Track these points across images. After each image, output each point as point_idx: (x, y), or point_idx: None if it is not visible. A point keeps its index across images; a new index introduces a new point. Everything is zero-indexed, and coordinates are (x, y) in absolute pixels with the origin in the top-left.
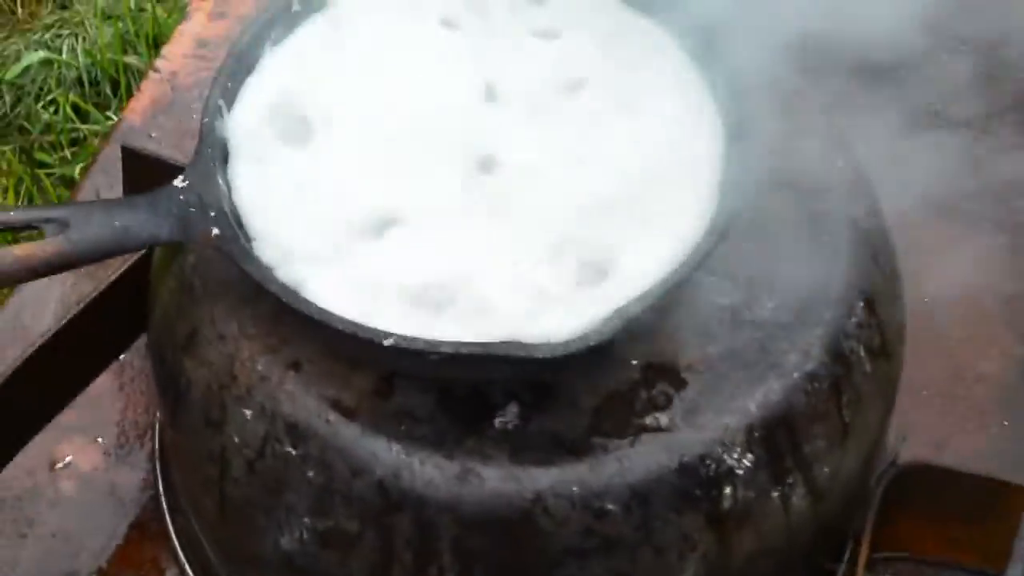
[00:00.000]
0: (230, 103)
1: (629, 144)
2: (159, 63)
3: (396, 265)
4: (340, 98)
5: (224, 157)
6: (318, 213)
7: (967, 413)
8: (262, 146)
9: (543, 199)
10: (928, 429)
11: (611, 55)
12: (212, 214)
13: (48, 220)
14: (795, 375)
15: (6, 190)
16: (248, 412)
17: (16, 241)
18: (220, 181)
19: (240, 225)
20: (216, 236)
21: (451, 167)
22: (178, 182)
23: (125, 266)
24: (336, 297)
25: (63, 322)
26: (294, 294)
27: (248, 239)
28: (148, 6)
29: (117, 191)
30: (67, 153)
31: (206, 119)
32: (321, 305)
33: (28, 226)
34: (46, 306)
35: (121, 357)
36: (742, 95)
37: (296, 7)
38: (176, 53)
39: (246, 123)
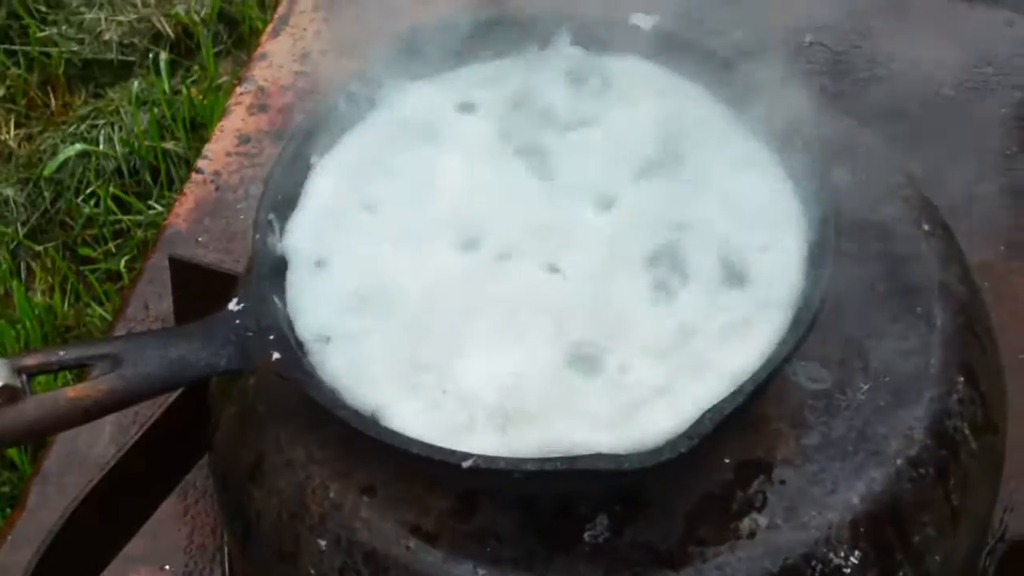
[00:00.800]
0: (280, 217)
1: (709, 231)
2: (201, 163)
3: (473, 376)
4: (393, 206)
5: (278, 274)
6: (385, 328)
7: None
8: (319, 259)
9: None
10: None
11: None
12: (271, 338)
13: (100, 357)
14: (898, 462)
15: (52, 288)
16: (323, 542)
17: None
18: (277, 301)
19: (301, 346)
20: (277, 361)
21: (518, 272)
22: (233, 306)
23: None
24: (410, 412)
25: (122, 451)
26: (364, 418)
27: (309, 360)
28: (183, 88)
29: (167, 302)
30: (111, 246)
31: (257, 236)
32: (393, 423)
33: (78, 365)
34: (102, 430)
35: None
36: (818, 171)
37: (343, 108)
38: (218, 151)
39: (300, 239)
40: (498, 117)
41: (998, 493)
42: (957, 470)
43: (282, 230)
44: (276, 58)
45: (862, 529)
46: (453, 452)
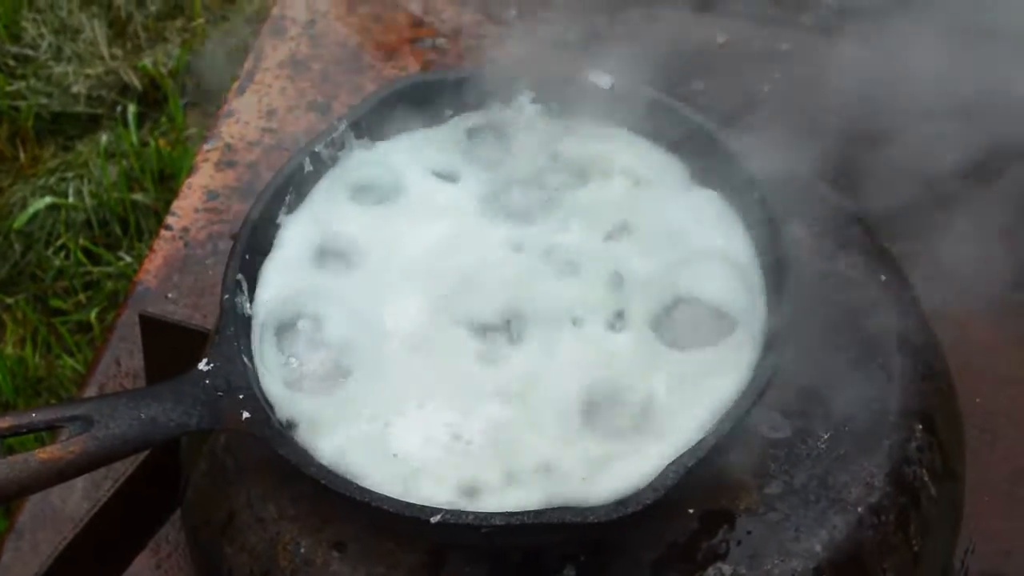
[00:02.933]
0: (249, 277)
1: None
2: (170, 220)
3: (438, 434)
4: (363, 261)
5: (247, 333)
6: (354, 388)
7: None
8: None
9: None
10: (994, 536)
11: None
12: (240, 396)
13: (71, 418)
14: (859, 509)
15: (23, 340)
16: None
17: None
18: (246, 360)
19: (269, 404)
20: (247, 420)
21: (481, 335)
22: (202, 366)
23: None
24: (376, 468)
25: (95, 507)
26: (333, 475)
27: (278, 418)
28: (151, 140)
29: (138, 358)
30: (82, 298)
31: (226, 296)
32: (361, 479)
33: (50, 427)
34: (74, 486)
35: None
36: (777, 220)
37: (308, 168)
38: (186, 207)
39: (270, 299)
40: (470, 180)
41: (959, 536)
42: (917, 516)
43: (250, 290)
44: (243, 115)
45: None
46: (423, 507)
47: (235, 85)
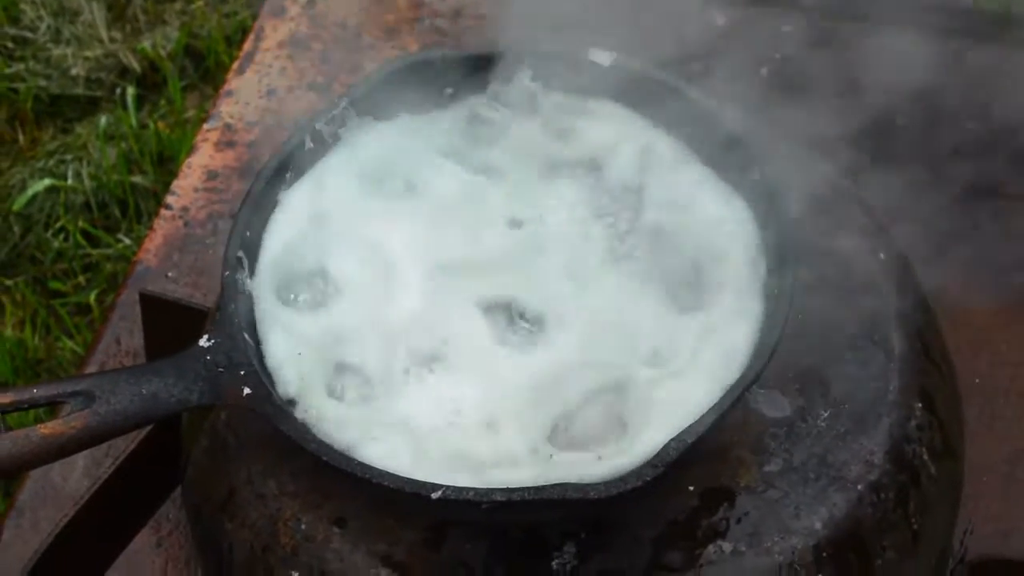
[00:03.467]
0: (249, 254)
1: (670, 258)
2: (170, 199)
3: (442, 409)
4: (361, 241)
5: (248, 310)
6: (357, 356)
7: None
8: (288, 295)
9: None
10: (993, 517)
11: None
12: (241, 372)
13: (72, 394)
14: (859, 487)
15: (22, 322)
16: (295, 574)
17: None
18: (247, 337)
19: (271, 379)
20: (248, 396)
21: (481, 313)
22: (203, 342)
23: None
24: (382, 444)
25: (96, 485)
26: (334, 451)
27: (280, 394)
28: (150, 122)
29: (138, 337)
30: (81, 280)
31: (226, 273)
32: (364, 455)
33: (52, 402)
34: (75, 463)
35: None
36: (778, 199)
37: (309, 144)
38: (186, 187)
39: (270, 275)
40: (472, 158)
41: (958, 516)
42: (917, 494)
43: (251, 267)
44: (242, 95)
45: (824, 554)
46: (423, 483)
47: (235, 65)
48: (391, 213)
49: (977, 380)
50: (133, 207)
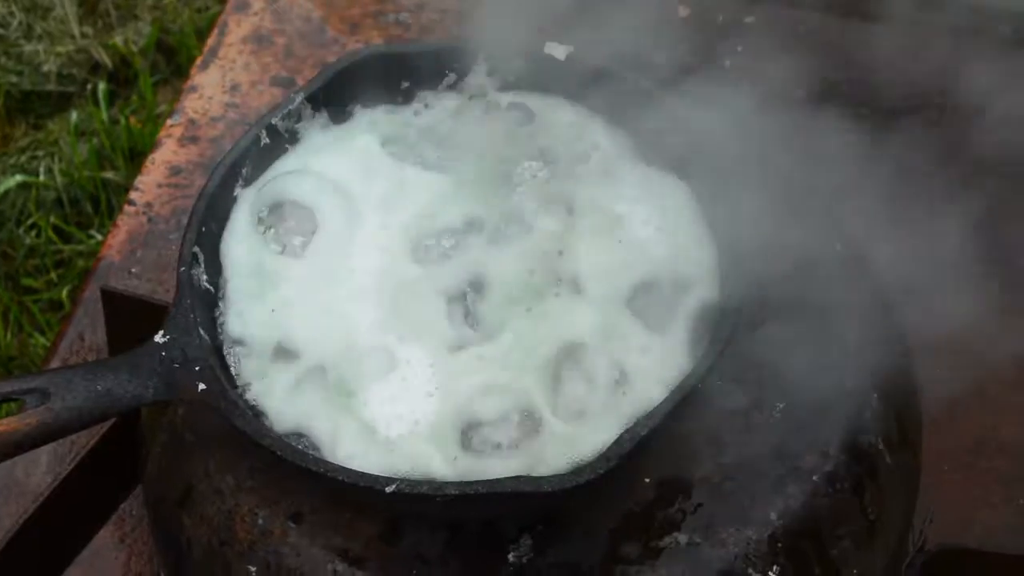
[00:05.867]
0: (204, 249)
1: (625, 253)
2: (133, 195)
3: (403, 402)
4: (316, 236)
5: (206, 305)
6: (317, 350)
7: (991, 486)
8: (249, 289)
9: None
10: (953, 507)
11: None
12: (197, 368)
13: (28, 391)
14: (814, 478)
15: None
16: (252, 568)
17: None
18: (202, 333)
19: (227, 373)
20: (203, 391)
21: (440, 302)
22: (159, 338)
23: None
24: (340, 437)
25: (57, 480)
26: (289, 447)
27: (235, 386)
28: (121, 118)
29: (102, 333)
30: (53, 276)
31: (182, 268)
32: (323, 448)
33: (7, 399)
34: (38, 459)
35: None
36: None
37: (265, 140)
38: (149, 183)
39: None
40: (427, 154)
41: (915, 506)
42: (873, 485)
43: (207, 262)
44: (206, 90)
45: (780, 545)
46: (376, 478)
47: (199, 60)
48: (349, 206)
49: (938, 370)
50: (105, 203)
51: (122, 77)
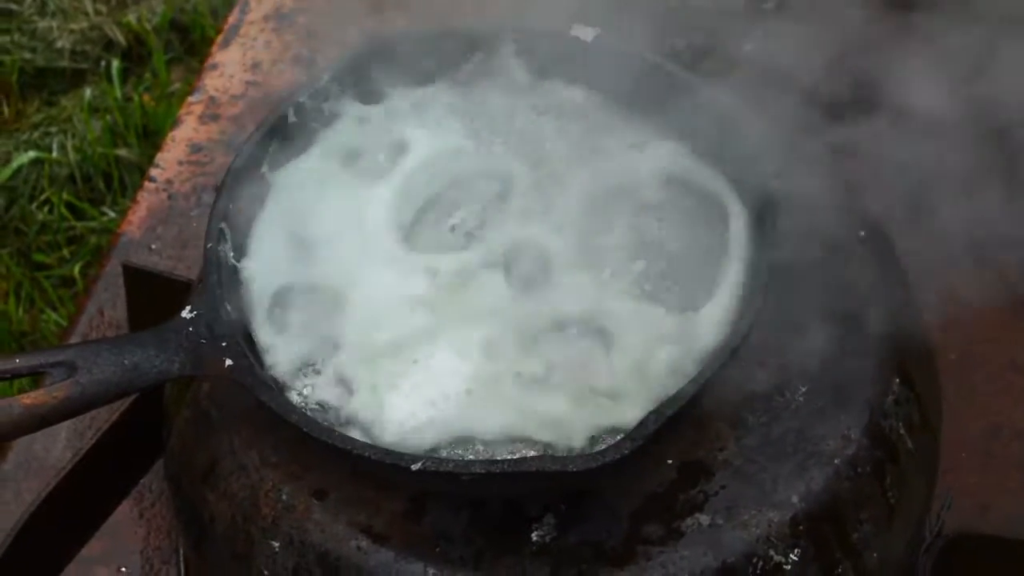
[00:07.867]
0: (232, 226)
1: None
2: (154, 172)
3: (428, 377)
4: (344, 213)
5: (231, 282)
6: (341, 331)
7: (1009, 471)
8: (275, 268)
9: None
10: (971, 492)
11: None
12: (223, 344)
13: (55, 364)
14: (836, 461)
15: (6, 294)
16: (276, 544)
17: (23, 389)
18: (229, 308)
19: (254, 350)
20: (229, 367)
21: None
22: (186, 313)
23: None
24: (371, 413)
25: (78, 455)
26: (315, 423)
27: (263, 365)
28: (135, 96)
29: (121, 308)
30: (66, 252)
31: (209, 244)
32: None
33: (35, 372)
34: (58, 434)
35: (139, 482)
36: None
37: (292, 118)
38: (170, 160)
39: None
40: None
41: (935, 491)
42: (894, 469)
43: (234, 239)
44: (227, 68)
45: (801, 527)
46: (402, 455)
47: (219, 38)
48: (372, 187)
49: (953, 356)
50: (118, 180)
51: (136, 55)
